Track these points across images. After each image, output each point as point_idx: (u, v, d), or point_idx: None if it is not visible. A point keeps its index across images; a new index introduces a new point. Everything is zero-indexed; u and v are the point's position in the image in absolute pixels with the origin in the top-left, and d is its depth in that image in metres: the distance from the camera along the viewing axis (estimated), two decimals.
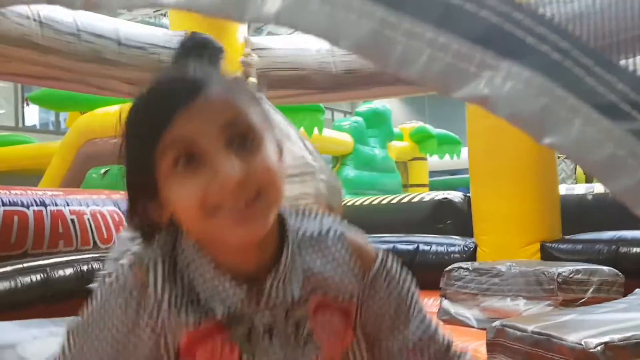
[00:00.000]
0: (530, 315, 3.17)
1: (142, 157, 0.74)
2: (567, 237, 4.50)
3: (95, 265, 4.26)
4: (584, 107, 1.04)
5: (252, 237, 0.75)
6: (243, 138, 0.75)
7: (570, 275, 3.35)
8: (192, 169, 0.73)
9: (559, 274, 3.35)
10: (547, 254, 4.30)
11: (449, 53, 1.08)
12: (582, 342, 2.05)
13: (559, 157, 5.93)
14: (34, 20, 4.01)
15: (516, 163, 4.47)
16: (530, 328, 2.27)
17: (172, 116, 0.72)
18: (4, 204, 4.71)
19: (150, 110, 0.76)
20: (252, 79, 3.73)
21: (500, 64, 1.07)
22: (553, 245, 4.34)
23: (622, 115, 1.04)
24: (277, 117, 3.56)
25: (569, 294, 3.33)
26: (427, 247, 4.62)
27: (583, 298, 3.30)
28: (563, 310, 3.03)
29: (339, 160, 9.90)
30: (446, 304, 3.79)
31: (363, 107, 11.07)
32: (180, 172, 0.73)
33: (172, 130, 0.72)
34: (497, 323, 2.46)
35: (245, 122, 0.76)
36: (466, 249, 4.55)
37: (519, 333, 2.30)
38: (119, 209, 5.79)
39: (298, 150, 3.38)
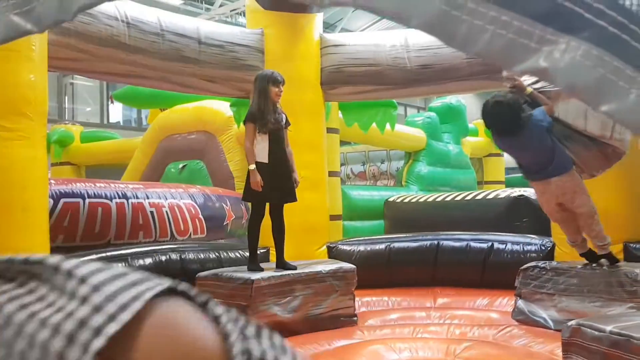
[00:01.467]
0: (608, 315, 3.04)
1: None
2: None
3: (173, 256, 4.44)
4: None
5: None
6: None
7: None
8: None
9: None
10: (630, 255, 4.11)
11: (511, 30, 1.17)
12: None
13: None
14: (122, 21, 4.21)
15: None
16: (608, 328, 2.18)
17: None
18: (89, 196, 4.99)
19: None
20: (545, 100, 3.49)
21: (559, 39, 1.14)
22: (637, 245, 4.14)
23: None
24: None
25: None
26: (502, 246, 4.51)
27: None
28: None
29: (411, 156, 9.79)
30: (521, 303, 3.69)
31: (437, 103, 10.90)
32: None
33: None
34: (573, 322, 2.37)
35: None
36: (543, 248, 4.41)
37: (596, 333, 2.21)
38: (195, 202, 6.01)
39: None
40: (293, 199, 3.86)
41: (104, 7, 4.12)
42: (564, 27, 1.09)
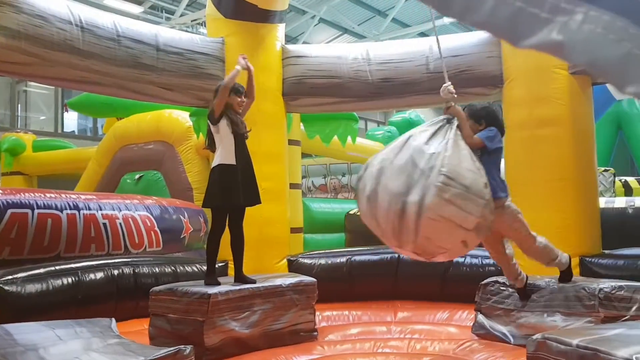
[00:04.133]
0: (573, 328, 3.04)
1: None
2: (607, 252, 4.35)
3: (126, 270, 4.26)
4: None
5: None
6: None
7: (613, 292, 3.20)
8: None
9: (601, 289, 3.22)
10: (586, 269, 4.15)
11: None
12: (634, 358, 1.93)
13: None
14: (76, 25, 4.06)
15: (555, 174, 4.34)
16: (575, 342, 2.15)
17: None
18: (38, 207, 4.77)
19: None
20: None
21: (575, 8, 0.97)
22: (593, 260, 4.19)
23: None
24: None
25: (611, 311, 3.18)
26: (461, 259, 4.51)
27: (626, 316, 3.15)
28: (609, 325, 2.88)
29: None
30: (481, 318, 3.68)
31: (397, 117, 11.03)
32: None
33: None
34: (538, 336, 2.34)
35: None
36: None
37: (562, 347, 2.19)
38: (151, 214, 5.83)
39: None
40: (258, 201, 3.82)
41: (57, 10, 3.97)
42: None
